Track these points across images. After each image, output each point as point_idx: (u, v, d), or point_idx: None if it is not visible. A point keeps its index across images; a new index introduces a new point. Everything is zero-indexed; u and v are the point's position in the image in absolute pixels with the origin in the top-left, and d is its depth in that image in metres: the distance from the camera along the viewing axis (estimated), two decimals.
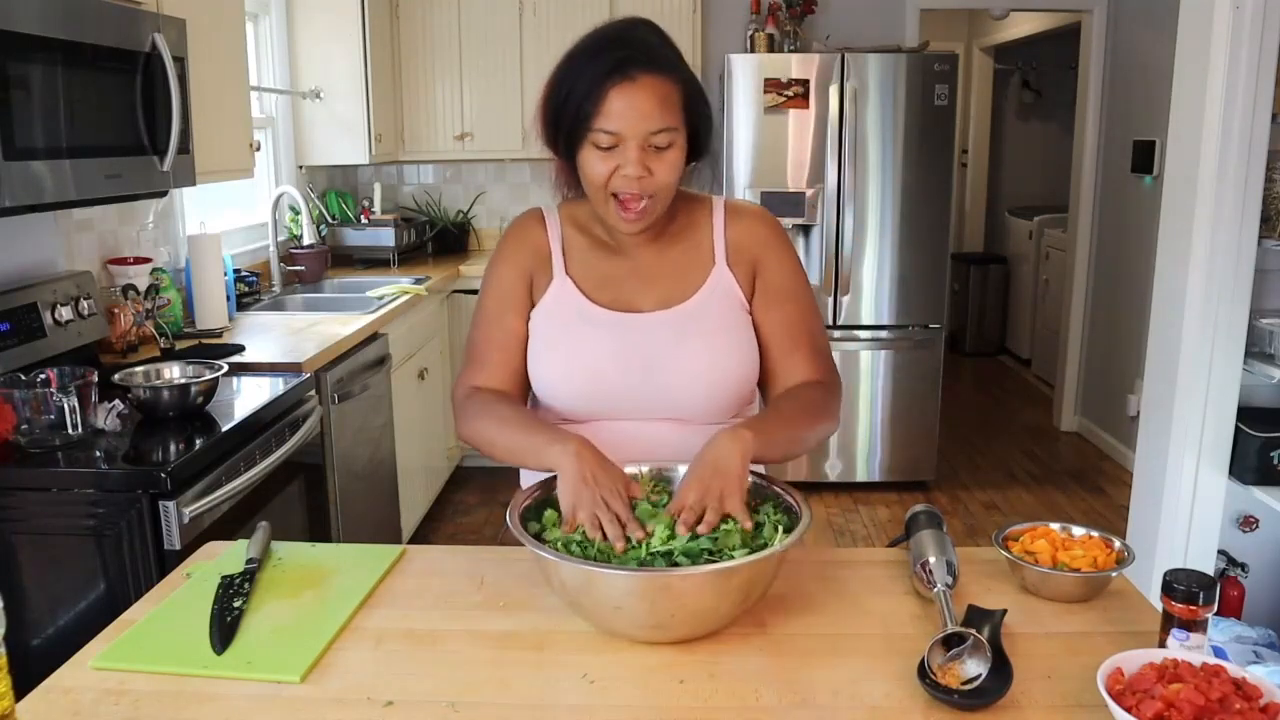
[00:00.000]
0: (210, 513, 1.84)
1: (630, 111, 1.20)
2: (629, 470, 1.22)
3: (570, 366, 1.32)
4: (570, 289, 1.35)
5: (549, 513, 1.14)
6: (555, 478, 1.16)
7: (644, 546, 1.07)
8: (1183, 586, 0.96)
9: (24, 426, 1.80)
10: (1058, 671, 1.00)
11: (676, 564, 1.05)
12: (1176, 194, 2.54)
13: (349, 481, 2.75)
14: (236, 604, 1.14)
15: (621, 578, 1.00)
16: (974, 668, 0.96)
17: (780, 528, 1.10)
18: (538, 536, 1.11)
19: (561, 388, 1.33)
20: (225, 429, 1.97)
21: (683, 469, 1.23)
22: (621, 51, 1.22)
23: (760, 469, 1.27)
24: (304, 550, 1.32)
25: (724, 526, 1.09)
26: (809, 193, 3.96)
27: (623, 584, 1.00)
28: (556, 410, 1.35)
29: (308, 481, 2.38)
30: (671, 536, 1.07)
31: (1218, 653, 2.27)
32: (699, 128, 1.29)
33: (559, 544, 1.08)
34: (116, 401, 1.95)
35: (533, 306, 1.37)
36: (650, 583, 1.00)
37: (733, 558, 1.04)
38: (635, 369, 1.31)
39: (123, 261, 2.68)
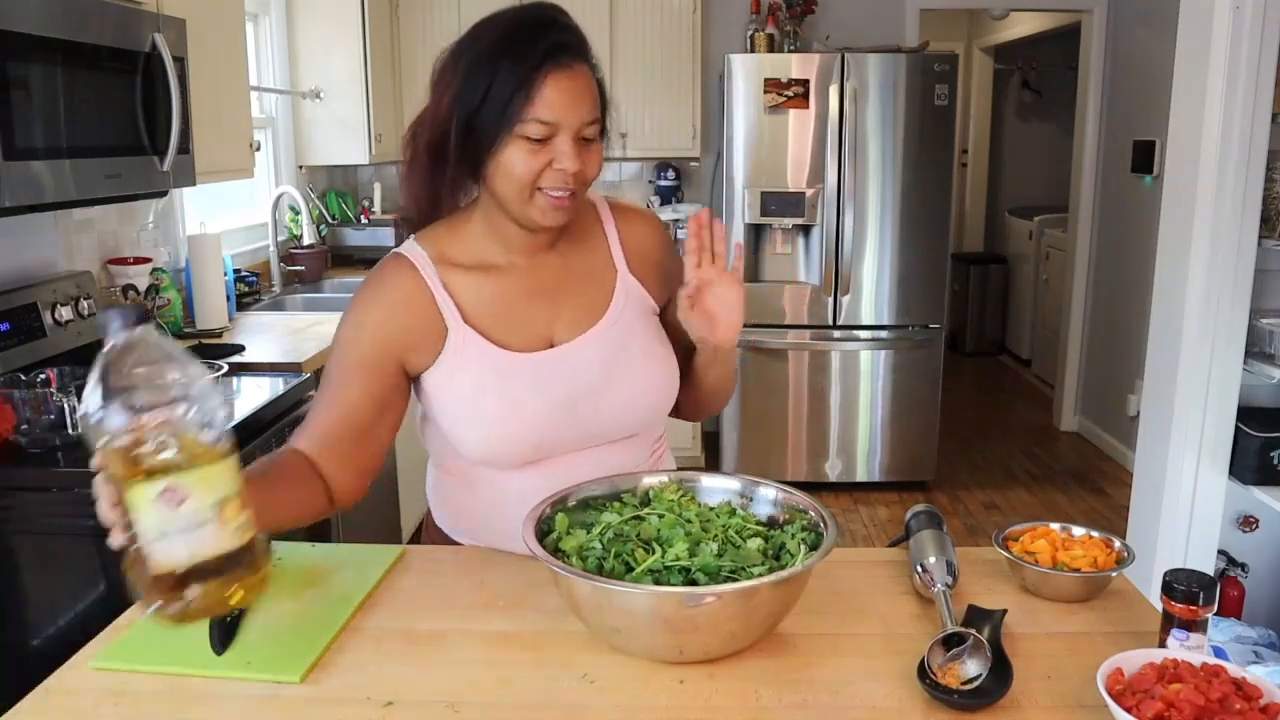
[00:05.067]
0: None
1: (567, 100, 1.11)
2: (648, 480, 1.19)
3: (498, 425, 1.21)
4: (474, 340, 1.21)
5: (560, 516, 1.13)
6: (564, 497, 1.14)
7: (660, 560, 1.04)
8: (1183, 586, 0.96)
9: (24, 426, 1.80)
10: (1058, 671, 1.00)
11: (694, 582, 1.01)
12: (1176, 194, 2.54)
13: None
14: None
15: (636, 595, 0.97)
16: (974, 668, 0.96)
17: (804, 545, 1.07)
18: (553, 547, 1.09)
19: (495, 447, 1.23)
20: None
21: (705, 479, 1.21)
22: (554, 37, 1.12)
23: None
24: (304, 550, 1.32)
25: (749, 544, 1.07)
26: (809, 193, 3.96)
27: (637, 600, 0.97)
28: (492, 465, 1.26)
29: None
30: (692, 553, 1.04)
31: (1218, 653, 2.27)
32: (605, 124, 1.21)
33: (573, 557, 1.06)
34: None
35: (425, 369, 1.22)
36: (665, 600, 0.97)
37: (752, 576, 1.00)
38: (572, 405, 1.23)
39: (123, 261, 2.68)
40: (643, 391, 1.27)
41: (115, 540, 0.85)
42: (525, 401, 1.21)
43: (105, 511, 0.86)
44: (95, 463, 0.84)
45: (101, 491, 0.86)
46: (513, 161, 1.12)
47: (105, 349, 0.82)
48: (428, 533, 1.42)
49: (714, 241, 1.14)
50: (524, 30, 1.12)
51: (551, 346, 1.25)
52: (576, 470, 1.23)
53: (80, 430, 0.85)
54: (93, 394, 0.81)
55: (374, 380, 1.20)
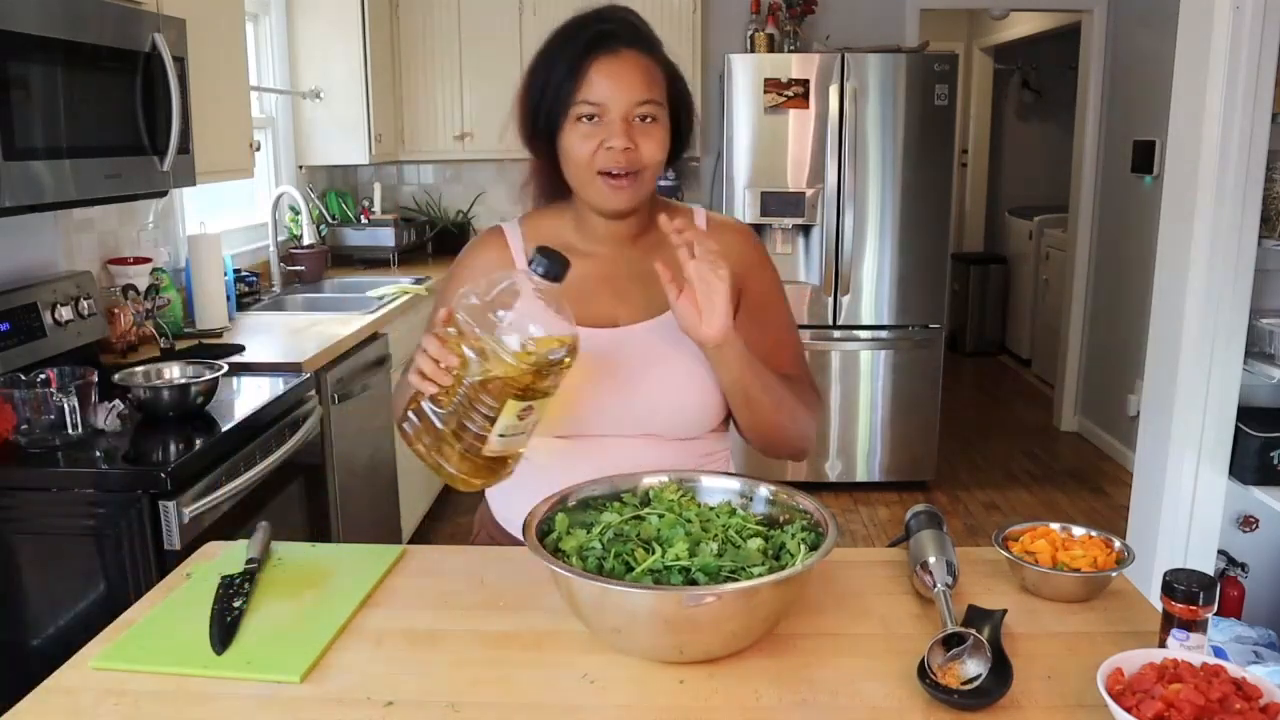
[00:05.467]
0: (210, 513, 1.84)
1: (612, 82, 1.19)
2: (649, 480, 1.20)
3: None
4: None
5: (560, 516, 1.13)
6: (564, 497, 1.15)
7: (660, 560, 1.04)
8: (1183, 586, 0.96)
9: (24, 426, 1.80)
10: (1058, 671, 1.00)
11: (694, 582, 1.01)
12: (1176, 194, 2.54)
13: (349, 481, 2.75)
14: (236, 604, 1.14)
15: (636, 595, 0.97)
16: (974, 668, 0.96)
17: (804, 545, 1.07)
18: (553, 548, 1.09)
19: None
20: (225, 429, 1.97)
21: (706, 480, 1.21)
22: (602, 26, 1.21)
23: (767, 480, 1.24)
24: (304, 550, 1.32)
25: (750, 544, 1.07)
26: (809, 193, 3.96)
27: (637, 600, 0.97)
28: (537, 429, 1.30)
29: (308, 481, 2.38)
30: (692, 553, 1.04)
31: (1218, 653, 2.27)
32: (681, 115, 1.26)
33: (573, 557, 1.06)
34: (116, 401, 1.95)
35: None
36: (665, 600, 0.96)
37: (752, 576, 1.00)
38: (612, 386, 1.27)
39: (123, 261, 2.68)
40: (680, 391, 1.29)
41: (428, 388, 1.05)
42: (570, 370, 1.26)
43: (440, 374, 1.04)
44: (449, 332, 1.06)
45: (444, 353, 1.04)
46: (571, 144, 1.22)
47: (529, 274, 1.06)
48: (480, 519, 1.45)
49: (692, 244, 1.17)
50: (574, 24, 1.25)
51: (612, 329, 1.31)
52: (618, 457, 1.26)
53: (471, 300, 1.07)
54: (501, 301, 1.06)
55: None
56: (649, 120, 1.21)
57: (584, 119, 1.20)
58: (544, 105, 1.23)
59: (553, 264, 1.06)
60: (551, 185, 1.32)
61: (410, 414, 1.09)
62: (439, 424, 1.08)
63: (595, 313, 1.29)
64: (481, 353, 1.05)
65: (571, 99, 1.20)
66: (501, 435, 1.08)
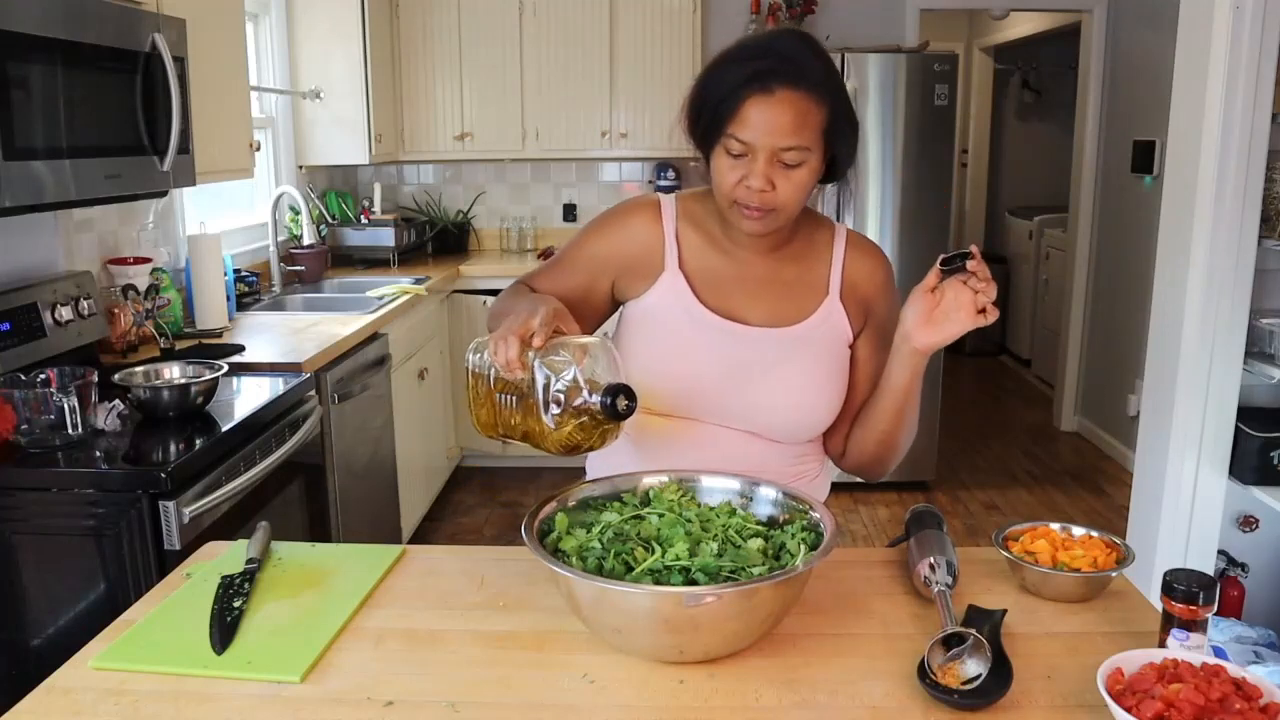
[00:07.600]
0: (210, 513, 1.84)
1: (763, 124, 1.19)
2: (649, 481, 1.21)
3: (670, 366, 1.32)
4: (682, 285, 1.34)
5: (560, 516, 1.13)
6: (569, 491, 1.18)
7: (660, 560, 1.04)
8: (1183, 586, 0.96)
9: (24, 426, 1.80)
10: (1058, 671, 1.00)
11: (694, 582, 1.01)
12: (1176, 194, 2.54)
13: (349, 481, 2.75)
14: (236, 604, 1.14)
15: (636, 595, 0.97)
16: (974, 668, 0.96)
17: (804, 545, 1.07)
18: (553, 547, 1.09)
19: (656, 384, 1.31)
20: (225, 429, 1.97)
21: (706, 479, 1.22)
22: (764, 62, 1.20)
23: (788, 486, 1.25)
24: (304, 550, 1.32)
25: (750, 544, 1.08)
26: None
27: (637, 600, 0.97)
28: (650, 407, 1.33)
29: (308, 481, 2.38)
30: (692, 553, 1.04)
31: (1218, 653, 2.27)
32: (838, 151, 1.27)
33: (573, 557, 1.06)
34: (116, 401, 1.95)
35: (632, 297, 1.36)
36: (665, 600, 0.97)
37: (752, 576, 1.01)
38: (733, 381, 1.31)
39: (123, 261, 2.68)
40: (792, 399, 1.32)
41: (511, 375, 1.11)
42: (697, 355, 1.32)
43: (507, 369, 1.10)
44: (538, 362, 1.11)
45: (515, 362, 1.09)
46: (718, 168, 1.25)
47: (594, 396, 1.09)
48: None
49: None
50: (746, 50, 1.24)
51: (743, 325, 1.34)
52: (719, 445, 1.32)
53: (549, 357, 1.11)
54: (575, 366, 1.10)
55: (585, 282, 1.37)
56: (793, 164, 1.22)
57: (730, 151, 1.22)
58: (702, 121, 1.25)
59: (614, 408, 1.08)
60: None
61: (485, 352, 1.16)
62: (488, 383, 1.17)
63: (727, 307, 1.34)
64: (523, 393, 1.12)
65: (723, 129, 1.21)
66: (519, 441, 1.17)
